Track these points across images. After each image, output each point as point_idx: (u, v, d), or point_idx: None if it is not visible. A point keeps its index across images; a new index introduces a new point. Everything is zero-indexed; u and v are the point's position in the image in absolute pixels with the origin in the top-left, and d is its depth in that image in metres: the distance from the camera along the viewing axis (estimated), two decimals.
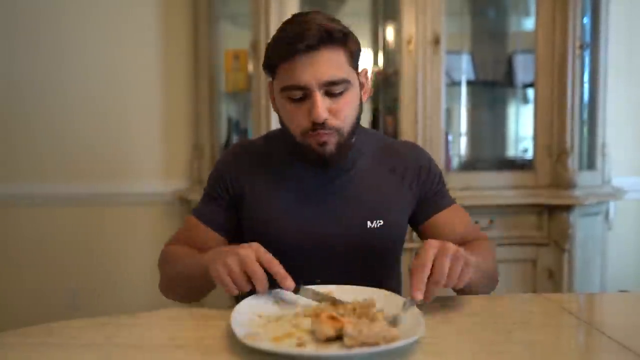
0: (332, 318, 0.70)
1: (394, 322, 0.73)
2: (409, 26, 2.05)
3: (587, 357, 0.72)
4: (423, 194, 1.09)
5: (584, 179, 2.15)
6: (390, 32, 2.45)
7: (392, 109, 2.23)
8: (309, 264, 1.00)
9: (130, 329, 0.78)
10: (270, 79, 1.01)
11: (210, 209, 1.08)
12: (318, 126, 0.93)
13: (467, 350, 0.69)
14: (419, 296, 0.77)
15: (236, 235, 1.11)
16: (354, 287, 0.86)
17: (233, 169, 1.08)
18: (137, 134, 2.46)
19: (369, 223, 1.03)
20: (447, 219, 1.08)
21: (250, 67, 2.24)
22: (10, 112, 2.44)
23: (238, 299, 0.86)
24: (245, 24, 2.23)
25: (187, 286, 0.97)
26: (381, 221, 1.03)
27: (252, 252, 0.81)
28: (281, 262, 0.96)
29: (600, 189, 2.27)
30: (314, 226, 1.03)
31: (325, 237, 1.03)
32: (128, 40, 2.44)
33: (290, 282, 0.81)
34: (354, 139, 1.00)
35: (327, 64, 0.92)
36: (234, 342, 0.68)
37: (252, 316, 0.77)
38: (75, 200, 2.45)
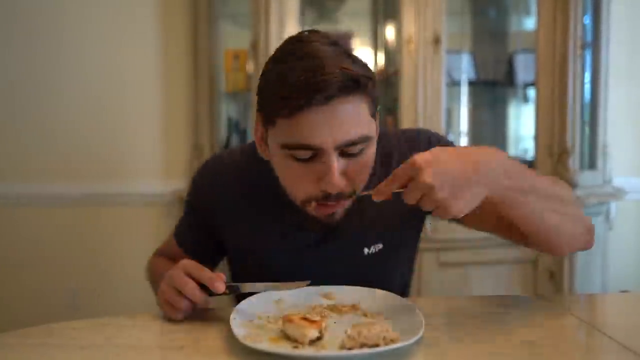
0: (305, 319, 0.69)
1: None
2: (409, 26, 2.05)
3: (588, 358, 0.72)
4: None
5: (585, 179, 2.15)
6: (390, 32, 2.45)
7: (392, 109, 2.23)
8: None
9: (130, 330, 0.78)
10: (261, 120, 0.81)
11: (184, 230, 1.03)
12: (330, 197, 0.77)
13: (467, 351, 0.69)
14: (377, 197, 0.69)
15: (216, 257, 1.05)
16: (354, 287, 0.86)
17: (210, 196, 0.95)
18: (136, 133, 2.46)
19: (365, 250, 0.91)
20: None
21: (250, 67, 2.24)
22: (9, 112, 2.44)
23: (238, 299, 0.86)
24: (245, 24, 2.23)
25: None
26: (380, 245, 0.92)
27: (179, 269, 0.77)
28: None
29: (601, 189, 2.26)
30: (303, 260, 0.92)
31: (317, 271, 0.88)
32: (128, 40, 2.44)
33: (219, 284, 0.75)
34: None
35: (348, 119, 0.73)
36: (233, 342, 0.68)
37: (251, 317, 0.77)
38: (74, 200, 2.45)
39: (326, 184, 0.75)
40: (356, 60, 0.77)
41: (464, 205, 0.66)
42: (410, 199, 0.66)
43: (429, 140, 0.94)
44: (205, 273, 0.76)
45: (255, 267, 0.97)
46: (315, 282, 0.85)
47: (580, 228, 0.81)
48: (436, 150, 0.67)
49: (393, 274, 0.99)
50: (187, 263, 0.78)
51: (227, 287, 0.78)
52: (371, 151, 0.80)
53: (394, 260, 0.96)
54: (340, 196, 0.77)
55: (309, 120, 0.72)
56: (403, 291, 1.05)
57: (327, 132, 0.72)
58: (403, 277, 1.05)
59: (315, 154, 0.75)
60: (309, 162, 0.76)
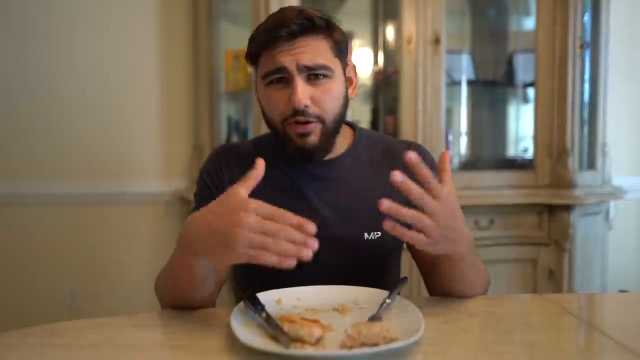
0: (304, 319, 0.69)
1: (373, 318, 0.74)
2: (409, 26, 2.05)
3: (587, 358, 0.72)
4: None
5: (584, 178, 2.15)
6: (390, 32, 2.45)
7: (393, 108, 2.23)
8: (305, 274, 0.97)
9: (131, 329, 0.78)
10: (254, 72, 1.00)
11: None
12: (298, 113, 0.91)
13: (467, 351, 0.69)
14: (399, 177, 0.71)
15: None
16: (354, 287, 0.86)
17: (220, 171, 1.03)
18: (137, 133, 2.47)
19: (365, 235, 0.98)
20: None
21: (250, 67, 2.23)
22: (10, 112, 2.44)
23: (237, 299, 0.86)
24: (245, 23, 2.23)
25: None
26: (379, 232, 0.99)
27: (253, 214, 0.70)
28: (276, 273, 0.93)
29: (600, 188, 2.27)
30: None
31: (320, 250, 0.97)
32: (128, 40, 2.44)
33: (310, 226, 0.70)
34: (337, 136, 0.98)
35: (309, 50, 0.92)
36: (233, 342, 0.68)
37: (252, 316, 0.77)
38: (75, 200, 2.45)
39: (293, 101, 0.91)
40: (322, 14, 0.94)
41: (445, 249, 0.77)
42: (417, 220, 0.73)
43: (432, 161, 1.05)
44: (291, 217, 0.70)
45: None
46: (320, 265, 0.91)
47: (481, 289, 0.95)
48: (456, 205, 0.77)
49: (390, 264, 1.07)
50: (258, 206, 0.70)
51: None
52: (335, 85, 0.95)
53: (391, 249, 1.04)
54: (307, 114, 0.92)
55: (278, 51, 0.92)
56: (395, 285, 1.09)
57: (291, 58, 0.91)
58: (396, 270, 1.11)
59: (286, 79, 0.92)
60: (281, 88, 0.93)
